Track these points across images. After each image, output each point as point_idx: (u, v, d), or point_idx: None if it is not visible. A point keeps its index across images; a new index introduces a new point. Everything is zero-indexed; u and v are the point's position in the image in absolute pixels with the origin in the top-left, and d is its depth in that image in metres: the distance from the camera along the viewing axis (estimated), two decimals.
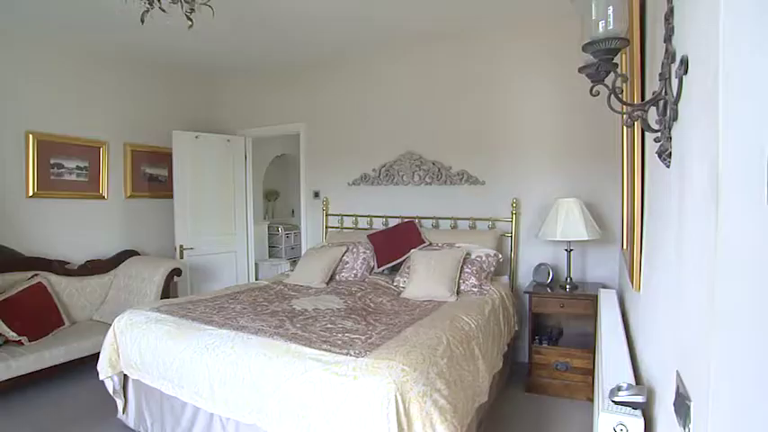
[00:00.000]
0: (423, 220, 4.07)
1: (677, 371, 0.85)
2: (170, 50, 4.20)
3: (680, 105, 0.93)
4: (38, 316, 3.47)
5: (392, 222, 4.18)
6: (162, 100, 4.83)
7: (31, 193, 3.85)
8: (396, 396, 1.71)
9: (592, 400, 2.79)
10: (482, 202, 3.87)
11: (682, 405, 0.75)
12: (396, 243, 3.77)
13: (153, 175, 4.77)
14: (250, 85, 5.10)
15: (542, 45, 3.58)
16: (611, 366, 1.49)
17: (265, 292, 3.20)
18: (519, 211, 3.71)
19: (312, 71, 4.65)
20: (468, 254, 3.39)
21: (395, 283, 3.45)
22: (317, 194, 4.73)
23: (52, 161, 3.99)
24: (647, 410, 1.16)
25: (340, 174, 4.54)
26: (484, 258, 3.38)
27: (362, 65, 4.39)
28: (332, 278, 3.67)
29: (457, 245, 3.56)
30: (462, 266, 3.27)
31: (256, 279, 5.22)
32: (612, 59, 1.12)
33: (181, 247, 4.51)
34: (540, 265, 3.49)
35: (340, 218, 4.53)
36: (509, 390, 3.24)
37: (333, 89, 4.57)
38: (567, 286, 3.25)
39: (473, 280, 3.23)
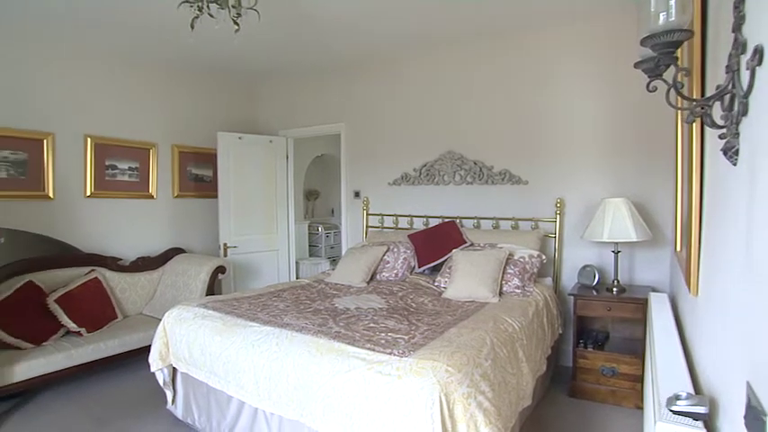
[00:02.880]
0: (464, 220, 4.03)
1: (748, 382, 0.80)
2: (214, 55, 4.32)
3: (750, 99, 0.87)
4: (95, 309, 3.65)
5: (433, 222, 4.16)
6: (206, 102, 4.98)
7: (88, 193, 4.06)
8: (440, 397, 1.70)
9: (641, 407, 2.69)
10: (525, 202, 3.80)
11: (755, 419, 0.71)
12: (437, 243, 3.75)
13: (198, 176, 4.93)
14: (291, 87, 5.18)
15: (588, 40, 3.47)
16: (666, 374, 1.43)
17: (307, 291, 3.25)
18: (563, 211, 3.62)
19: (352, 71, 4.68)
20: (511, 254, 3.32)
21: (436, 284, 3.43)
22: (357, 194, 4.76)
23: (107, 162, 4.19)
24: (709, 422, 1.10)
25: (380, 173, 4.56)
26: (527, 259, 3.31)
27: (403, 64, 4.38)
28: (372, 277, 3.69)
29: (499, 245, 3.50)
30: (505, 267, 3.22)
31: (297, 278, 5.31)
32: (674, 53, 1.07)
33: (225, 245, 4.64)
34: (585, 266, 3.38)
35: (380, 217, 4.55)
36: (552, 394, 3.16)
37: (373, 89, 4.59)
38: (615, 289, 3.13)
39: (516, 281, 3.17)
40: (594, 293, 3.17)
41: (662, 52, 1.07)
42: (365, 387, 1.83)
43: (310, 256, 6.34)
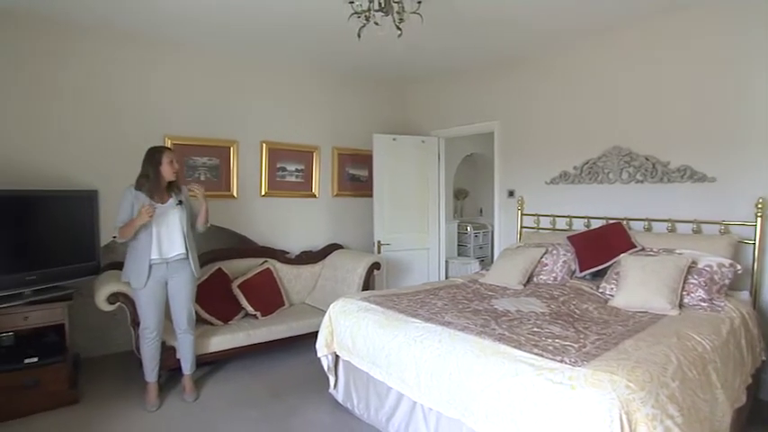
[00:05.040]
0: (631, 222, 3.64)
1: None
2: (372, 60, 4.54)
3: None
4: (267, 296, 4.10)
5: (595, 224, 3.83)
6: (362, 106, 5.27)
7: (263, 193, 4.58)
8: (620, 414, 1.54)
9: None
10: (711, 203, 3.28)
11: None
12: (600, 246, 3.45)
13: (355, 176, 5.24)
14: (442, 87, 5.22)
15: None
16: None
17: (463, 291, 3.24)
18: (765, 213, 3.05)
19: (507, 68, 4.55)
20: (695, 262, 2.91)
21: (600, 290, 3.15)
22: (511, 193, 4.61)
23: (278, 165, 4.68)
24: None
25: (537, 172, 4.35)
26: (715, 268, 2.86)
27: (561, 56, 4.12)
28: (529, 280, 3.53)
29: (677, 251, 3.09)
30: (686, 276, 2.83)
31: (446, 277, 5.34)
32: None
33: (379, 242, 4.86)
34: None
35: (536, 218, 4.34)
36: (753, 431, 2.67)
37: (529, 84, 4.40)
38: None
39: (701, 293, 2.76)
40: None
41: None
42: (534, 394, 1.74)
43: (459, 255, 6.33)
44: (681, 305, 2.73)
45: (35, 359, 2.92)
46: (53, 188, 3.37)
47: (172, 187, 3.03)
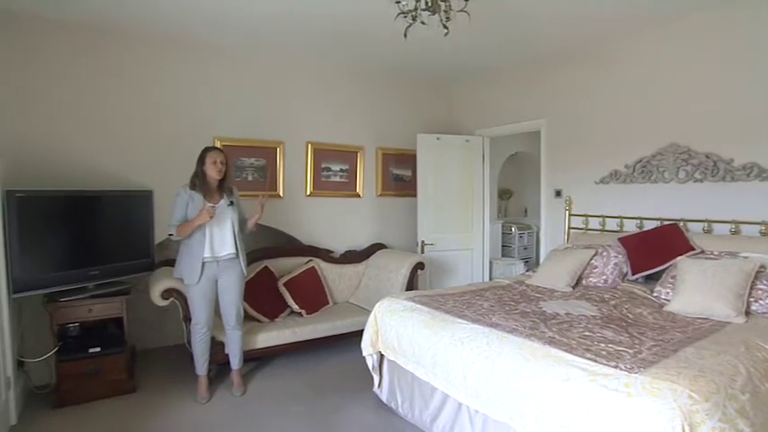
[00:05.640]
0: (689, 224, 3.46)
1: None
2: (416, 59, 4.53)
3: None
4: (312, 295, 4.16)
5: (648, 225, 3.67)
6: (406, 105, 5.26)
7: (308, 192, 4.66)
8: (683, 426, 1.46)
9: None
10: None
11: None
12: (654, 248, 3.30)
13: (398, 176, 5.25)
14: (486, 85, 5.14)
15: None
16: None
17: (509, 292, 3.17)
18: None
19: (554, 64, 4.42)
20: (763, 267, 2.73)
21: (654, 294, 3.01)
22: (558, 193, 4.48)
23: (323, 165, 4.74)
24: None
25: (585, 171, 4.20)
26: None
27: (611, 50, 3.96)
28: (578, 282, 3.42)
29: (742, 254, 2.91)
30: (754, 282, 2.65)
31: (490, 278, 5.25)
32: None
33: (422, 242, 4.84)
34: None
35: (584, 218, 4.19)
36: None
37: (577, 81, 4.26)
38: None
39: None
40: None
41: None
42: (586, 400, 1.68)
43: (503, 256, 6.21)
44: (747, 312, 2.57)
45: (98, 349, 3.09)
46: (112, 188, 3.54)
47: (223, 188, 3.11)
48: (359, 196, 4.99)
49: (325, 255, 4.59)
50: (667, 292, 2.94)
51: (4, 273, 2.76)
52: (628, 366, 1.75)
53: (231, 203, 3.08)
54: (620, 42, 3.89)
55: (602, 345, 2.03)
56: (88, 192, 3.33)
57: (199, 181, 3.03)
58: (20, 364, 3.03)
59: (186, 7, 3.24)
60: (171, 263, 3.57)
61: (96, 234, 3.31)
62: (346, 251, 4.79)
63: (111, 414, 2.90)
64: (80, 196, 3.24)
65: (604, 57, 4.04)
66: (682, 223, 3.45)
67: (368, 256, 4.78)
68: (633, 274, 3.34)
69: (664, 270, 3.18)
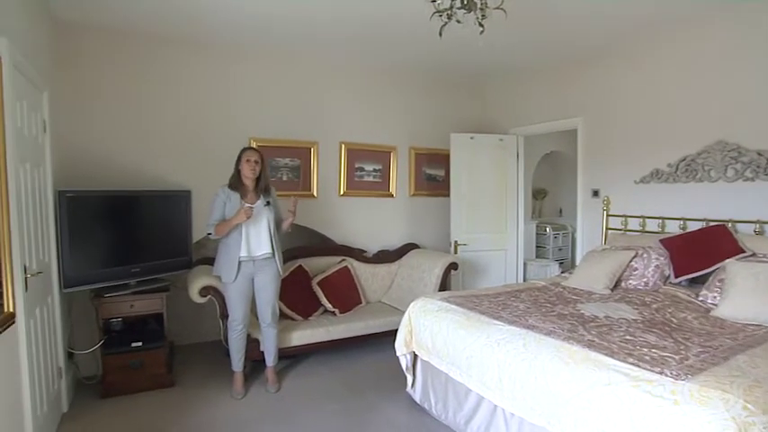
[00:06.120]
0: (738, 225, 3.30)
1: None
2: (450, 58, 4.49)
3: None
4: (345, 294, 4.19)
5: (692, 226, 3.52)
6: (439, 105, 5.22)
7: (341, 192, 4.69)
8: None
9: None
10: None
11: None
12: (699, 250, 3.17)
13: (431, 175, 5.22)
14: (521, 84, 5.05)
15: None
16: None
17: (545, 293, 3.11)
18: None
19: (591, 61, 4.30)
20: None
21: (700, 298, 2.89)
22: (596, 193, 4.36)
23: (356, 165, 4.76)
24: None
25: (624, 170, 4.07)
26: None
27: (651, 46, 3.81)
28: (617, 285, 3.32)
29: None
30: None
31: (524, 279, 5.16)
32: None
33: (455, 242, 4.80)
34: None
35: (623, 219, 4.07)
36: None
37: (615, 78, 4.13)
38: None
39: None
40: None
41: None
42: (630, 406, 1.63)
43: (537, 257, 6.09)
44: None
45: (140, 343, 3.20)
46: (153, 188, 3.66)
47: (260, 188, 3.17)
48: (392, 196, 4.99)
49: (359, 254, 4.60)
50: (714, 297, 2.82)
51: (56, 268, 2.90)
52: (674, 373, 1.69)
53: (268, 203, 3.13)
54: (660, 36, 3.75)
55: (645, 349, 1.96)
56: (130, 192, 3.45)
57: (235, 181, 3.10)
58: (69, 356, 3.17)
59: (224, 11, 3.30)
60: (208, 261, 3.67)
61: (137, 232, 3.43)
62: (379, 251, 4.80)
63: (152, 406, 3.00)
64: (123, 196, 3.36)
65: (644, 52, 3.90)
66: (730, 224, 3.29)
67: (401, 256, 4.78)
68: (676, 277, 3.22)
69: (710, 273, 3.05)
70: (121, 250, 3.30)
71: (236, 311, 3.12)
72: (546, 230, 6.15)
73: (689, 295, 2.98)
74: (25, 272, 2.19)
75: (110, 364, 3.12)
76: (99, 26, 3.54)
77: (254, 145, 4.08)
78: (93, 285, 3.13)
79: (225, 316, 3.29)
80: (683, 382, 1.62)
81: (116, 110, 3.65)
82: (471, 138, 4.87)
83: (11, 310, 2.01)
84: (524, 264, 5.30)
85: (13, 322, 2.05)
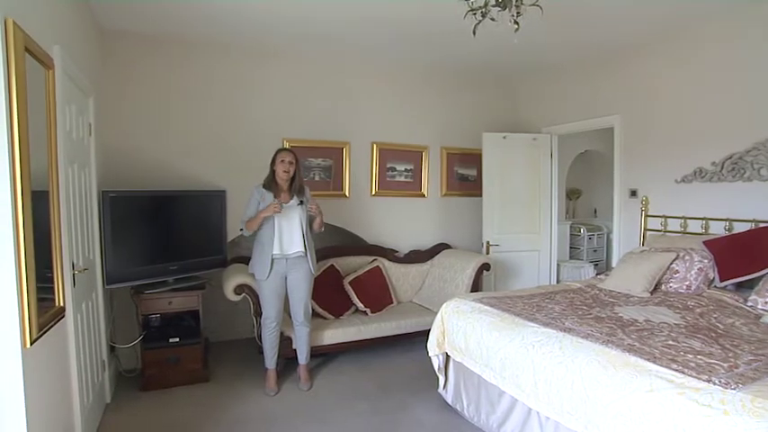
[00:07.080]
0: None
1: None
2: (482, 57, 4.44)
3: None
4: (376, 294, 4.20)
5: (738, 227, 3.37)
6: (470, 104, 5.17)
7: (373, 192, 4.70)
8: None
9: None
10: None
11: None
12: (747, 253, 3.03)
13: (463, 175, 5.17)
14: (554, 82, 4.95)
15: None
16: None
17: (580, 296, 3.03)
18: None
19: (627, 57, 4.17)
20: None
21: (749, 303, 2.77)
22: (633, 193, 4.22)
23: (387, 165, 4.77)
24: None
25: (664, 169, 3.93)
26: None
27: (691, 40, 3.66)
28: (656, 288, 3.21)
29: None
30: None
31: (557, 280, 5.06)
32: None
33: (488, 243, 4.74)
34: None
35: (663, 219, 3.93)
36: None
37: (653, 74, 3.99)
38: None
39: None
40: None
41: None
42: (674, 414, 1.57)
43: (571, 258, 5.96)
44: None
45: (177, 339, 3.30)
46: (189, 189, 3.77)
47: (294, 187, 3.21)
48: (423, 196, 4.97)
49: (390, 254, 4.61)
50: (766, 302, 2.69)
51: (100, 265, 3.02)
52: (723, 381, 1.62)
53: (301, 203, 3.17)
54: (702, 29, 3.59)
55: (690, 356, 1.89)
56: (168, 192, 3.56)
57: (270, 181, 3.16)
58: (111, 349, 3.29)
59: (259, 15, 3.36)
60: (242, 260, 3.74)
61: (175, 231, 3.53)
62: (410, 251, 4.79)
63: (188, 400, 3.08)
64: (161, 196, 3.48)
65: (684, 46, 3.75)
66: None
67: (432, 256, 4.75)
68: (721, 281, 3.08)
69: (760, 278, 2.92)
70: (160, 249, 3.40)
71: (270, 309, 3.17)
72: (580, 231, 6.01)
73: (736, 300, 2.86)
74: (73, 268, 2.29)
75: (149, 359, 3.23)
76: (139, 35, 3.67)
77: (286, 145, 4.14)
78: (133, 282, 3.23)
79: (259, 314, 3.34)
80: (733, 391, 1.55)
81: (155, 113, 3.78)
82: (504, 137, 4.80)
83: (61, 304, 2.10)
84: (558, 265, 5.20)
85: (63, 316, 2.14)
